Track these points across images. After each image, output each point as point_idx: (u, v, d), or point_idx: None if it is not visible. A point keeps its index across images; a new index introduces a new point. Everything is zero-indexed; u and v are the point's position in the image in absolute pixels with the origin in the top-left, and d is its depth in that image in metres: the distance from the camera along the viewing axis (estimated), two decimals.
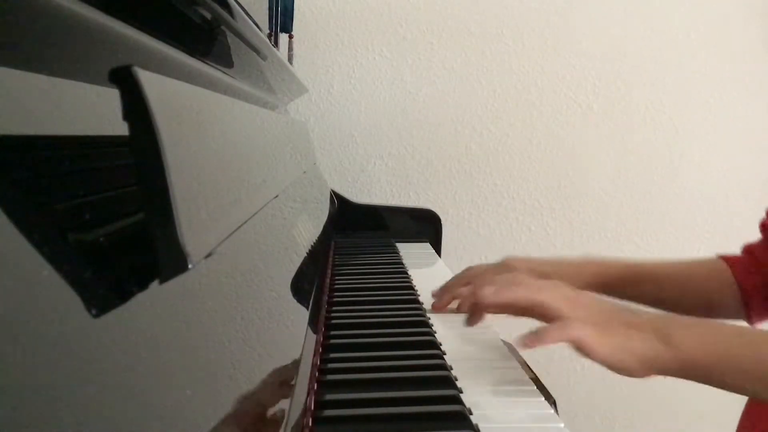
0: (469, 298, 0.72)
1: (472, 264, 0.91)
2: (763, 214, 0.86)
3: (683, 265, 0.90)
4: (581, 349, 0.59)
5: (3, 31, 0.26)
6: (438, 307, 0.82)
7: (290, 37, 1.35)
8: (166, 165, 0.30)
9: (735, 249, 0.90)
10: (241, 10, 0.64)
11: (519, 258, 0.87)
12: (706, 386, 0.61)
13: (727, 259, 0.88)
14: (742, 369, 0.60)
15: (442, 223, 1.36)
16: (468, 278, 0.85)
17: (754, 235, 0.88)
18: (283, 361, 0.45)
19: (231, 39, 0.67)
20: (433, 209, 1.38)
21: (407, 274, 0.98)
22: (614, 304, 0.64)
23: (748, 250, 0.88)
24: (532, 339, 0.59)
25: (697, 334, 0.61)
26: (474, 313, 0.69)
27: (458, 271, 0.90)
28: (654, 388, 1.71)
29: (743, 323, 0.86)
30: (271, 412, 0.38)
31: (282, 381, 0.42)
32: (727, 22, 1.67)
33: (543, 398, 0.58)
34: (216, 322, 0.37)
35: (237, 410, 0.34)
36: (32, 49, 0.28)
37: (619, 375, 0.60)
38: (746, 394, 0.67)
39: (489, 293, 0.64)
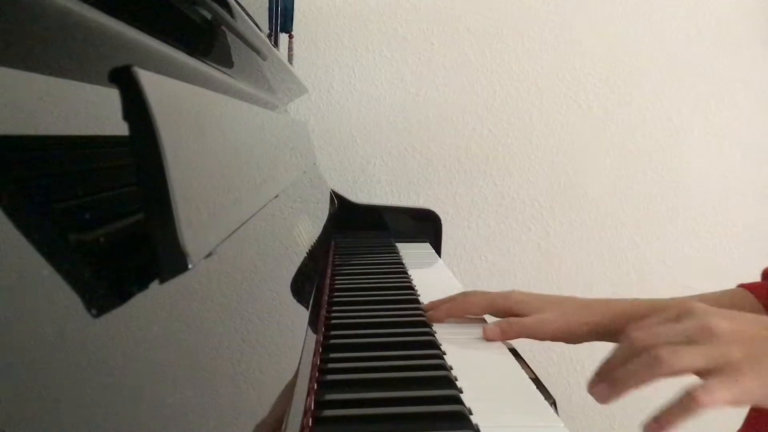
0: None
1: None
2: None
3: (708, 300, 0.76)
4: (737, 405, 0.48)
5: (3, 31, 0.26)
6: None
7: (290, 37, 1.35)
8: (166, 165, 0.30)
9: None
10: (241, 10, 0.64)
11: (522, 293, 0.78)
12: None
13: (749, 287, 0.81)
14: None
15: (442, 223, 1.36)
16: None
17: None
18: (283, 361, 0.45)
19: (231, 39, 0.67)
20: (433, 209, 1.38)
21: (407, 274, 0.98)
22: (754, 319, 0.51)
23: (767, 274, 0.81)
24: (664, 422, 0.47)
25: None
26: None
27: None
28: (654, 388, 1.70)
29: None
30: (271, 412, 0.38)
31: (282, 381, 0.42)
32: (727, 22, 1.67)
33: (543, 398, 0.58)
34: (216, 322, 0.37)
35: (237, 410, 0.34)
36: (32, 49, 0.28)
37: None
38: None
39: (603, 393, 0.52)
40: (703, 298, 0.78)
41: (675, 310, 0.52)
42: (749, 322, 0.51)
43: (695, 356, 0.48)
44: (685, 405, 0.47)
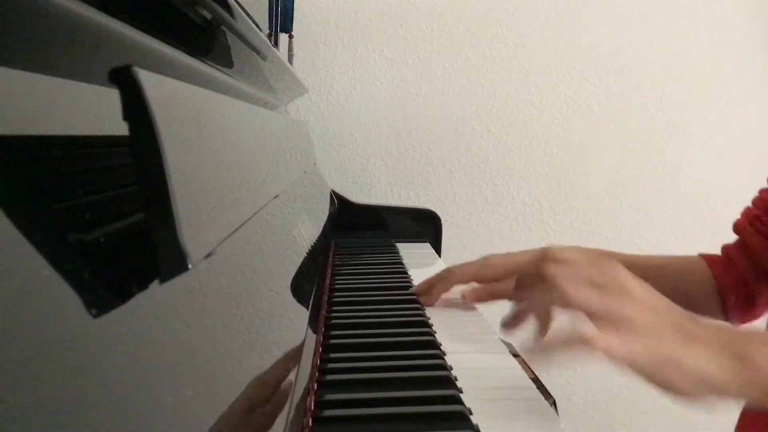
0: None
1: None
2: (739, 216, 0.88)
3: (665, 260, 0.90)
4: (619, 365, 0.48)
5: (3, 31, 0.26)
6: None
7: (290, 37, 1.35)
8: (166, 165, 0.30)
9: None
10: (241, 10, 0.64)
11: (500, 256, 0.86)
12: None
13: (707, 258, 0.88)
14: None
15: (442, 223, 1.36)
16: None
17: None
18: (283, 361, 0.45)
19: (231, 39, 0.67)
20: (433, 209, 1.38)
21: (407, 274, 0.98)
22: (672, 304, 0.52)
23: (724, 250, 0.89)
24: (541, 351, 0.49)
25: None
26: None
27: None
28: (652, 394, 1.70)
29: (721, 322, 0.87)
30: (271, 412, 0.38)
31: (282, 381, 0.42)
32: (727, 22, 1.67)
33: (543, 398, 0.58)
34: (216, 322, 0.37)
35: (237, 410, 0.34)
36: (32, 49, 0.28)
37: (639, 378, 0.50)
38: None
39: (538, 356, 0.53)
40: (664, 259, 0.86)
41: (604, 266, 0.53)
42: (662, 298, 0.52)
43: (594, 297, 0.49)
44: (577, 341, 0.48)
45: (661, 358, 0.48)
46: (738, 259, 0.86)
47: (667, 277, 0.88)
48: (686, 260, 0.89)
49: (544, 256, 0.55)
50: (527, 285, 0.56)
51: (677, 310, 0.51)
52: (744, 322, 0.88)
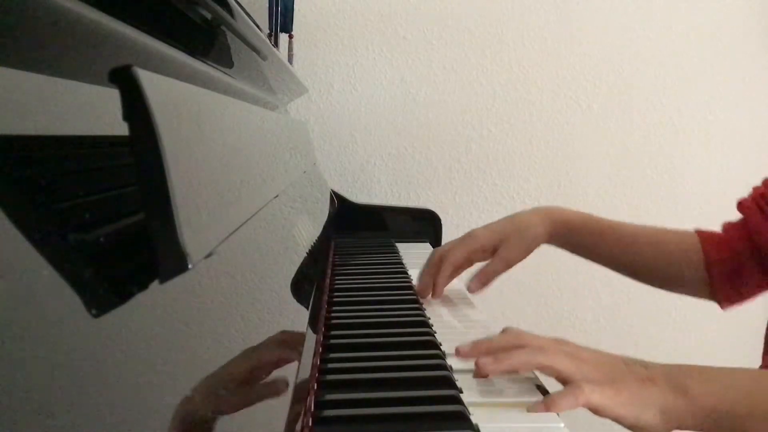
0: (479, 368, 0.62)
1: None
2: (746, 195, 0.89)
3: (654, 230, 0.92)
4: (597, 412, 0.56)
5: (3, 31, 0.26)
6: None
7: (290, 37, 1.35)
8: (166, 165, 0.30)
9: None
10: (241, 10, 0.64)
11: (481, 228, 0.91)
12: None
13: (701, 233, 0.89)
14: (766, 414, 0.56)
15: (442, 223, 1.36)
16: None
17: None
18: (283, 360, 0.45)
19: (231, 39, 0.67)
20: (433, 209, 1.38)
21: (407, 274, 0.98)
22: (622, 357, 0.61)
23: (724, 227, 0.89)
24: (545, 406, 0.55)
25: (714, 381, 0.57)
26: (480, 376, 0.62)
27: None
28: None
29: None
30: (270, 412, 0.38)
31: (282, 381, 0.42)
32: (727, 22, 1.67)
33: (543, 398, 0.58)
34: (216, 322, 0.37)
35: (236, 410, 0.34)
36: (32, 49, 0.28)
37: (618, 422, 0.57)
38: None
39: (488, 363, 0.60)
40: (654, 231, 0.91)
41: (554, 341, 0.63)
42: (607, 355, 0.61)
43: (569, 364, 0.59)
44: (571, 394, 0.56)
45: (627, 399, 0.56)
46: (735, 236, 0.86)
47: (657, 250, 0.88)
48: (679, 235, 0.91)
49: (519, 334, 0.64)
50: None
51: (626, 359, 0.60)
52: (731, 302, 0.88)
